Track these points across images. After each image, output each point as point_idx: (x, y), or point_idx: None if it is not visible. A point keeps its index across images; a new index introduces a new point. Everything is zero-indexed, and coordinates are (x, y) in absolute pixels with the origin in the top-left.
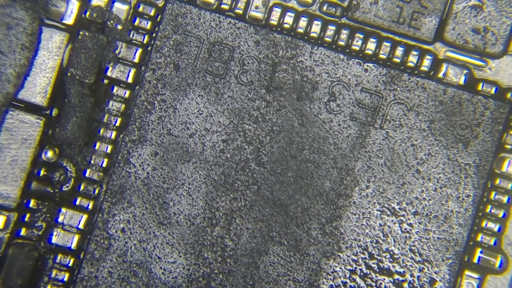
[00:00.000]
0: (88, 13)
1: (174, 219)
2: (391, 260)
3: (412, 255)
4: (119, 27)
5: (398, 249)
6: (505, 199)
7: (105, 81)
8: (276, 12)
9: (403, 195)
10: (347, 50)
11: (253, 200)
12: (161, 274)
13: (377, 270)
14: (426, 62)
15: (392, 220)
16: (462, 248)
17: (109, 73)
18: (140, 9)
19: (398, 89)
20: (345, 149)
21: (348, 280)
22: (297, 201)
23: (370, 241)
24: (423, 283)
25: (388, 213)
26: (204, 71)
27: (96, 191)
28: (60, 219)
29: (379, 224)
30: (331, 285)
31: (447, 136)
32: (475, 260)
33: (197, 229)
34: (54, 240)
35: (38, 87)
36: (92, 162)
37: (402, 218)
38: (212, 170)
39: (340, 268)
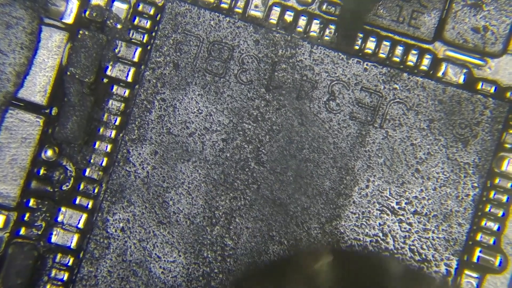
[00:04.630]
0: (87, 12)
1: (174, 218)
2: None
3: (412, 255)
4: (119, 26)
5: (398, 248)
6: (504, 198)
7: (105, 80)
8: (276, 11)
9: (403, 194)
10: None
11: (252, 199)
12: (160, 274)
13: None
14: (426, 61)
15: (391, 220)
16: (461, 247)
17: (108, 72)
18: (140, 8)
19: (398, 88)
20: (344, 148)
21: None
22: (297, 201)
23: (370, 241)
24: None
25: (388, 212)
26: (203, 70)
27: (96, 190)
28: (60, 218)
29: (379, 223)
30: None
31: (446, 135)
32: (475, 259)
33: (196, 228)
34: (53, 239)
35: (38, 86)
36: (91, 161)
37: (401, 217)
38: (212, 169)
39: None
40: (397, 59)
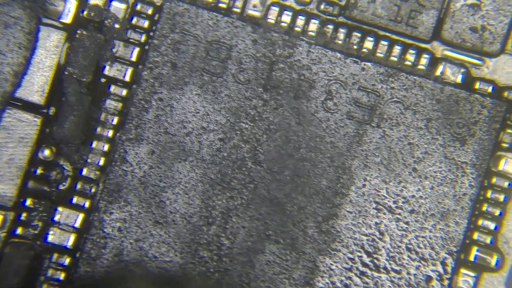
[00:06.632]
0: (85, 12)
1: (171, 218)
2: (387, 258)
3: (409, 253)
4: (117, 25)
5: (395, 247)
6: (501, 197)
7: (103, 80)
8: (274, 11)
9: (400, 193)
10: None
11: (249, 198)
12: (157, 273)
13: (374, 268)
14: (424, 60)
15: (388, 218)
16: (458, 246)
17: (106, 72)
18: (138, 7)
19: (395, 87)
20: (341, 148)
21: (344, 278)
22: (293, 200)
23: (367, 239)
24: (419, 281)
25: (385, 211)
26: (201, 69)
27: (93, 190)
28: (57, 218)
29: (376, 222)
30: (327, 283)
31: (444, 134)
32: (472, 258)
33: (193, 228)
34: (50, 239)
35: (36, 85)
36: (88, 160)
37: (398, 216)
38: (209, 169)
39: (336, 266)
40: (395, 59)
